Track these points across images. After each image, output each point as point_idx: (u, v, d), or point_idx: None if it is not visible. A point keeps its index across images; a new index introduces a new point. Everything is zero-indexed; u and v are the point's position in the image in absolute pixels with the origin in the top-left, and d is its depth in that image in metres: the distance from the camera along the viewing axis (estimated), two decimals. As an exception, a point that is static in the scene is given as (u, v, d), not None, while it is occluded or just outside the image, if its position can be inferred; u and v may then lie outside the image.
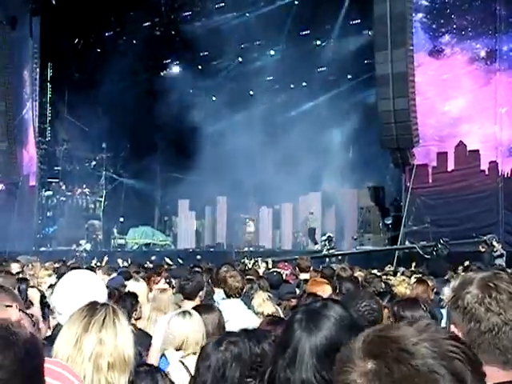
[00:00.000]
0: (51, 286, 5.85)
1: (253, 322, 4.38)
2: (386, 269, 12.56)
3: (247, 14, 24.18)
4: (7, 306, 2.16)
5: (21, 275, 6.25)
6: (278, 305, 6.03)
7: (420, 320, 1.09)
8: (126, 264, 13.15)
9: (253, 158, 22.02)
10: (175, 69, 27.76)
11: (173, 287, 6.57)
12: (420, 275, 8.55)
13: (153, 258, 17.98)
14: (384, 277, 8.46)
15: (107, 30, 26.80)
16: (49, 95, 27.66)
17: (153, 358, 4.25)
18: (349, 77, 23.95)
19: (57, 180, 27.22)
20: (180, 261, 15.47)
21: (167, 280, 7.06)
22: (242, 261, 13.88)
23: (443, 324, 5.16)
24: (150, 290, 6.35)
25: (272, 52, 25.02)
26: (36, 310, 4.72)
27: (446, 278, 8.47)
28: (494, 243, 15.60)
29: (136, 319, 5.15)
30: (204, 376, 2.59)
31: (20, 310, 2.23)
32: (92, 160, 27.92)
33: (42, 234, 26.71)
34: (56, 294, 3.27)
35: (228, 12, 24.36)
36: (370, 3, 18.33)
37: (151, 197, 27.20)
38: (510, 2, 17.86)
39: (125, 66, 23.60)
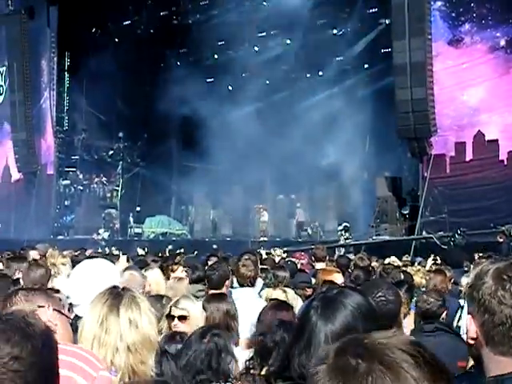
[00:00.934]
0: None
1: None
2: (404, 259, 12.51)
3: (264, 3, 24.10)
4: (40, 307, 2.16)
5: (40, 262, 6.25)
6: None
7: None
8: (142, 253, 13.25)
9: (268, 147, 21.99)
10: (192, 58, 27.69)
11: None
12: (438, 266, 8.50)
13: (169, 247, 18.04)
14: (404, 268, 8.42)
15: (125, 19, 26.80)
16: (66, 85, 27.81)
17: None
18: (365, 66, 23.78)
19: (74, 169, 27.36)
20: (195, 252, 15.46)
21: (185, 268, 7.04)
22: (258, 251, 13.86)
23: (463, 315, 5.15)
24: (168, 278, 6.36)
25: (288, 41, 24.89)
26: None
27: (465, 268, 8.44)
28: (513, 233, 15.44)
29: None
30: (182, 360, 2.94)
31: (55, 309, 2.23)
32: (109, 149, 27.99)
33: (59, 222, 26.90)
34: (70, 284, 3.27)
35: (245, 0, 24.29)
36: (387, -9, 18.18)
37: (168, 186, 27.22)
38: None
39: (142, 54, 23.59)
